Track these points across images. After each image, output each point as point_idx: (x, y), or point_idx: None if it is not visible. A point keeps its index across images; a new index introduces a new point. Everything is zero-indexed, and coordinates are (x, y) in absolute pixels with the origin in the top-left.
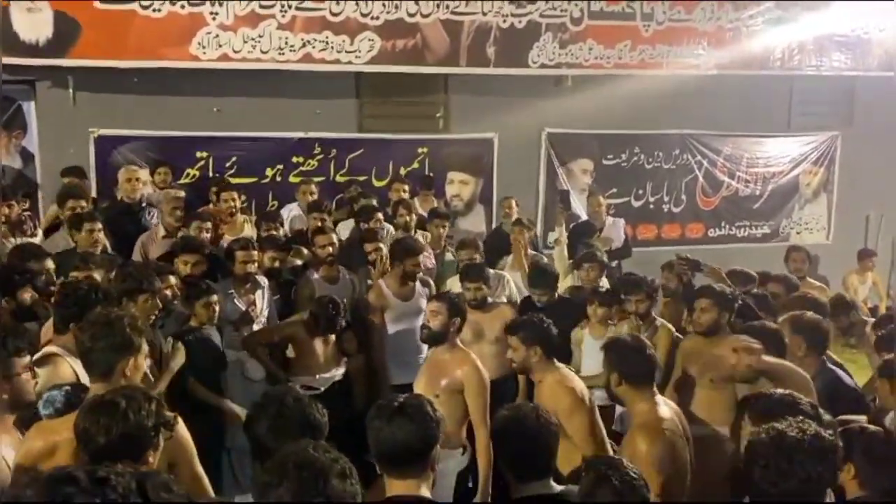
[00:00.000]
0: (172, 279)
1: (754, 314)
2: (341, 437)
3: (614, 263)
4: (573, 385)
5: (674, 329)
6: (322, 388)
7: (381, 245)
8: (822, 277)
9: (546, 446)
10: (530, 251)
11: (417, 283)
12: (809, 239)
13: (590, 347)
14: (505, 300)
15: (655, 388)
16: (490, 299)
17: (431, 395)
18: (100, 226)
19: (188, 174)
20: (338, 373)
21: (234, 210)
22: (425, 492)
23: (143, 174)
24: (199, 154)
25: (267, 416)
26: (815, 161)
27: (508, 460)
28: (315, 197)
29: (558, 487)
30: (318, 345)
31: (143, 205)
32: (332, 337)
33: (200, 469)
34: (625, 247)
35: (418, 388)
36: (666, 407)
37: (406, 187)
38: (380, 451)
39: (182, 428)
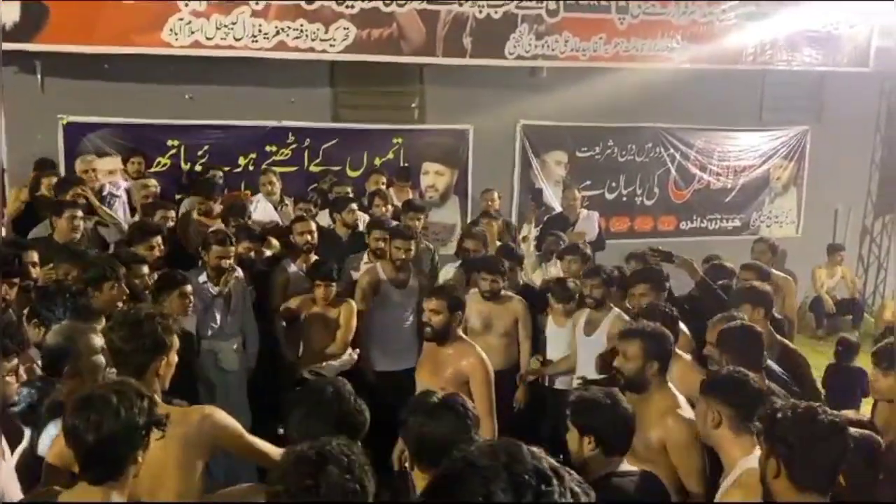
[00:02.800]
0: (145, 269)
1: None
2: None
3: None
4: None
5: (626, 317)
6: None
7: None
8: (790, 271)
9: (632, 424)
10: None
11: (412, 277)
12: (779, 232)
13: (553, 334)
14: None
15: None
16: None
17: (437, 389)
18: (80, 213)
19: (159, 162)
20: (345, 363)
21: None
22: None
23: (101, 163)
24: (170, 142)
25: (320, 409)
26: (785, 155)
27: (601, 434)
28: (276, 186)
29: (631, 467)
30: (326, 329)
31: (104, 194)
32: (339, 322)
33: (254, 438)
34: (598, 239)
35: (421, 381)
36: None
37: (384, 178)
38: (420, 446)
39: (217, 411)
